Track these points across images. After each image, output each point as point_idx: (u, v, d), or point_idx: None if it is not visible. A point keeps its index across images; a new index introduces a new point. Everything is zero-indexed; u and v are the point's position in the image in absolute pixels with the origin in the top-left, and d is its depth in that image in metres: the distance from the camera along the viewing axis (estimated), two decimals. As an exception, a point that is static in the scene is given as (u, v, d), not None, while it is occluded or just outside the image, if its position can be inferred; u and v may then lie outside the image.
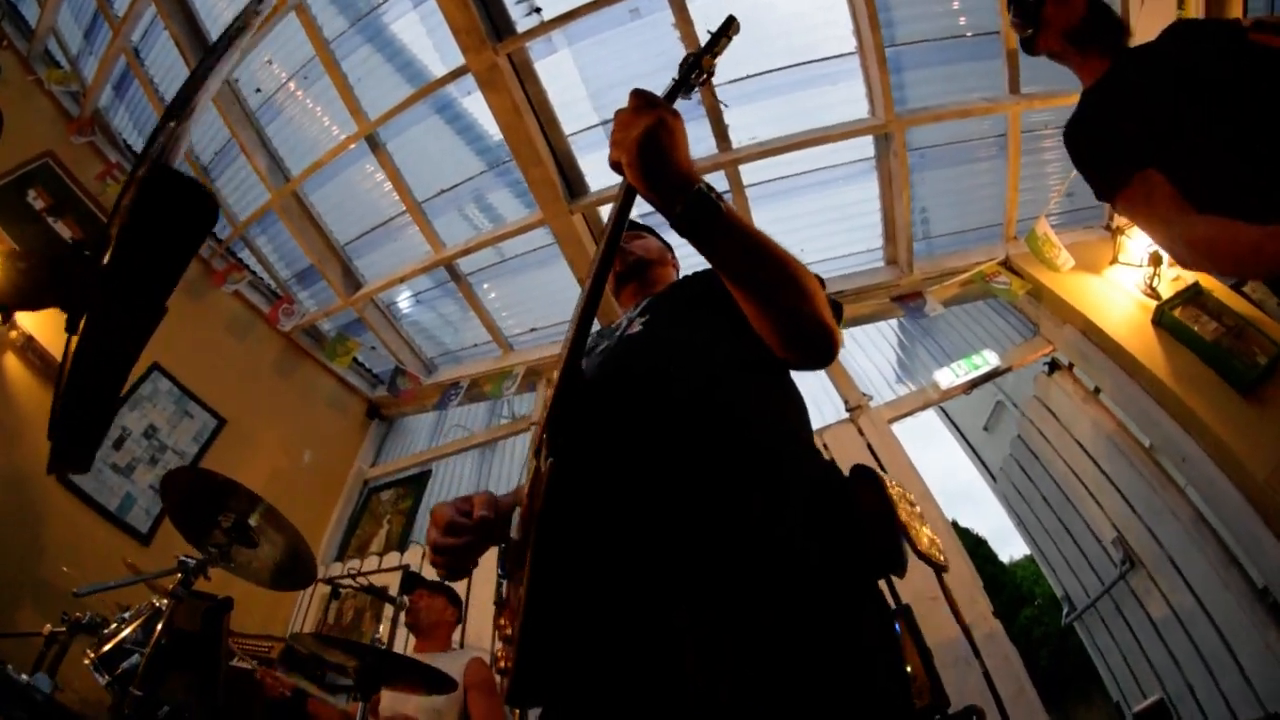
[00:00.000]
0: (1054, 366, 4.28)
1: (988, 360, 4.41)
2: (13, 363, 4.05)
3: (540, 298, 5.59)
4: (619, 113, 1.07)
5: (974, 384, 4.40)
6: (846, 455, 4.00)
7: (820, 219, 5.09)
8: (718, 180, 4.70)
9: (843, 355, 4.43)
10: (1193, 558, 3.45)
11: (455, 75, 4.39)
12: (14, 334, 4.04)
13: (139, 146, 5.61)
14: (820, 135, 4.49)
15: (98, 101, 5.34)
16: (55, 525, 3.84)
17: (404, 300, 5.86)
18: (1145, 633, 3.81)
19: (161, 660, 2.39)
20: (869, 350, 5.24)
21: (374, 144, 4.83)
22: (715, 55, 1.26)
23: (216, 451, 4.79)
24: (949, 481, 4.47)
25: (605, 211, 4.83)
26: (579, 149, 4.78)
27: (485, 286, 5.58)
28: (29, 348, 4.08)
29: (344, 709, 3.30)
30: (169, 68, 5.02)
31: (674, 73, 1.25)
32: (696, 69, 1.24)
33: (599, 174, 4.88)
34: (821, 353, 1.17)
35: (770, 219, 4.96)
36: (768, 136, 4.62)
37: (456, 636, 3.70)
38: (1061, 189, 4.32)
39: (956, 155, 4.71)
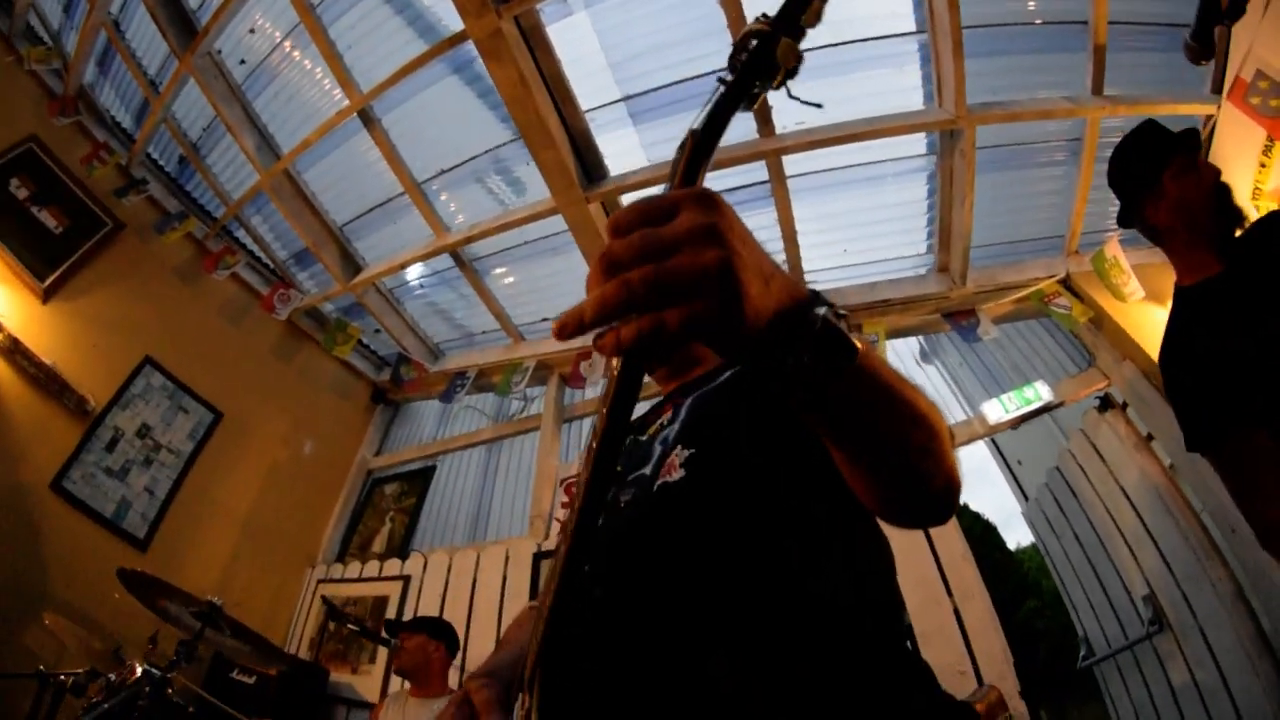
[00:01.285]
0: (1106, 404, 3.99)
1: (1040, 395, 4.13)
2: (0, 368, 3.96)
3: (553, 286, 5.34)
4: (604, 256, 0.60)
5: (1023, 419, 4.17)
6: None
7: (867, 218, 4.73)
8: (757, 171, 4.35)
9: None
10: (1224, 633, 3.27)
11: (453, 42, 3.96)
12: (0, 336, 3.94)
13: (126, 123, 5.38)
14: (880, 127, 4.03)
15: (81, 78, 5.05)
16: (53, 537, 3.85)
17: (407, 283, 5.61)
18: (1162, 695, 3.68)
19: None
20: (905, 359, 5.00)
21: (367, 119, 4.48)
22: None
23: (213, 448, 4.74)
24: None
25: (628, 200, 4.55)
26: (598, 128, 4.37)
27: (495, 272, 5.31)
28: (16, 350, 3.98)
29: None
30: (150, 39, 4.67)
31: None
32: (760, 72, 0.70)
33: (620, 156, 4.51)
34: (944, 517, 0.91)
35: (812, 215, 4.62)
36: (817, 123, 4.16)
37: (454, 678, 3.62)
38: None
39: (1017, 157, 4.28)
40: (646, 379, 0.77)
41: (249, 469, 5.00)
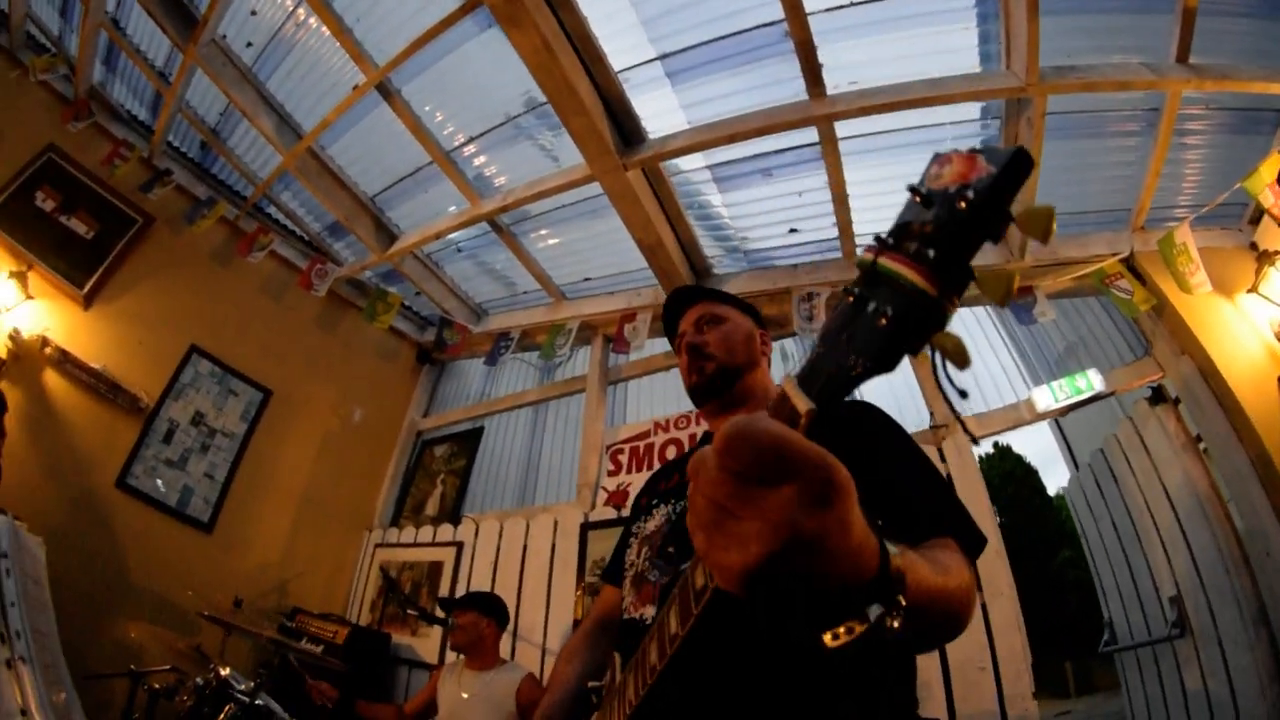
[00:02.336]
0: (1159, 397, 3.90)
1: (1092, 384, 4.01)
2: (53, 379, 4.23)
3: (593, 248, 5.28)
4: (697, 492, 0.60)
5: (1073, 408, 4.09)
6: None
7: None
8: (808, 134, 4.12)
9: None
10: (1242, 651, 3.36)
11: (467, 9, 3.76)
12: (49, 350, 4.17)
13: (142, 115, 5.31)
14: (941, 93, 3.75)
15: (90, 80, 4.98)
16: (124, 533, 4.22)
17: (446, 247, 5.59)
18: (1174, 696, 3.83)
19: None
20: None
21: (386, 93, 4.36)
22: None
23: (265, 425, 5.03)
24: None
25: (668, 167, 4.46)
26: (632, 89, 4.15)
27: (532, 236, 5.26)
28: (66, 360, 4.21)
29: (396, 706, 3.78)
30: (153, 32, 4.53)
31: None
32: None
33: (658, 117, 4.31)
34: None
35: (865, 178, 4.40)
36: (871, 84, 3.89)
37: (505, 648, 3.96)
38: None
39: (1087, 125, 3.95)
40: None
41: (301, 441, 5.31)
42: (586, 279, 5.53)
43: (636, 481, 4.57)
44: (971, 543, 1.12)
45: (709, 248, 5.04)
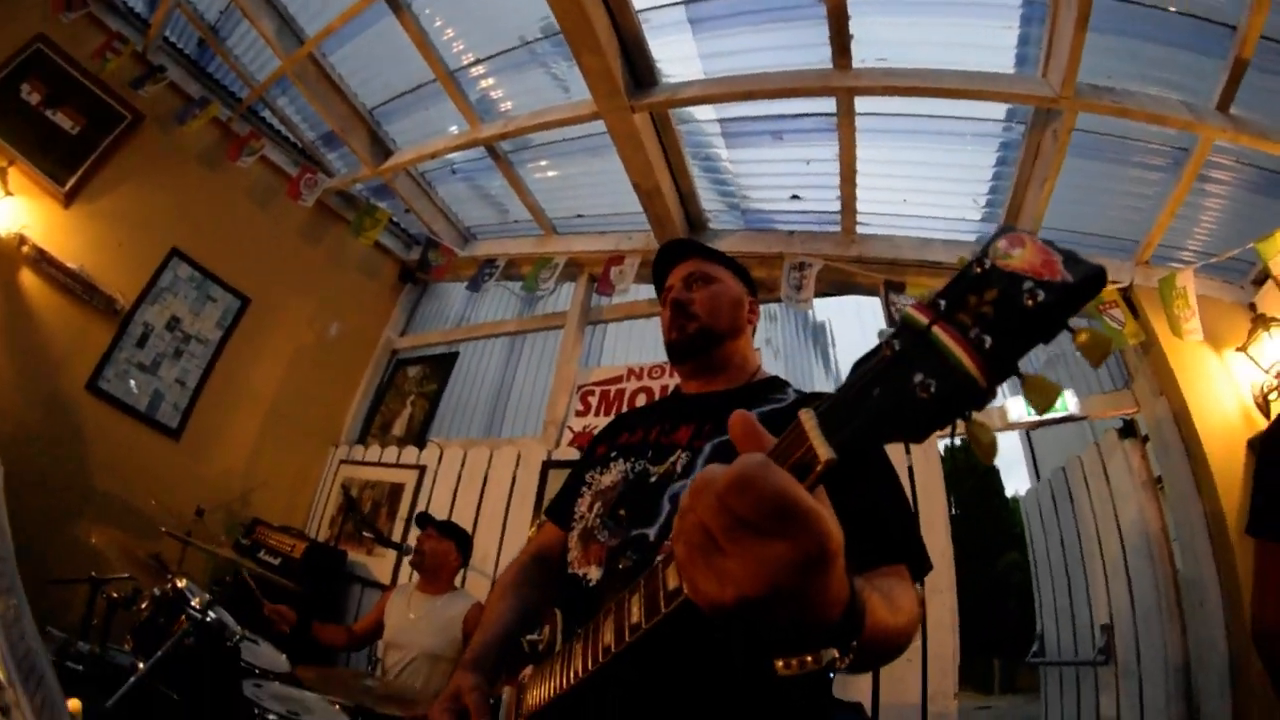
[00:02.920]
0: (1129, 431, 3.96)
1: (1066, 405, 4.02)
2: (29, 279, 4.15)
3: (592, 184, 5.16)
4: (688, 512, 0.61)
5: (1043, 424, 4.16)
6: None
7: (930, 173, 4.39)
8: (825, 103, 4.02)
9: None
10: (1159, 691, 3.52)
11: None
12: (26, 248, 4.07)
13: (139, 8, 4.99)
14: (969, 87, 3.64)
15: None
16: (92, 436, 4.24)
17: (441, 169, 5.43)
18: (1088, 713, 4.04)
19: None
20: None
21: (395, 4, 4.16)
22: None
23: (241, 334, 4.99)
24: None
25: (678, 115, 4.35)
26: (652, 29, 4.01)
27: (529, 166, 5.13)
28: (43, 259, 4.12)
29: (345, 626, 3.91)
30: None
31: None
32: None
33: (674, 63, 4.17)
34: None
35: (876, 158, 4.30)
36: (899, 64, 3.76)
37: (459, 579, 4.03)
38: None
39: (1111, 149, 3.85)
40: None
41: (276, 352, 5.28)
42: (579, 215, 5.45)
43: (601, 424, 4.50)
44: (920, 569, 1.18)
45: (708, 201, 4.97)
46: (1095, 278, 0.51)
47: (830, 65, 3.80)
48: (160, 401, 4.59)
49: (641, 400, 4.68)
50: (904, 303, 4.35)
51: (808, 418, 0.61)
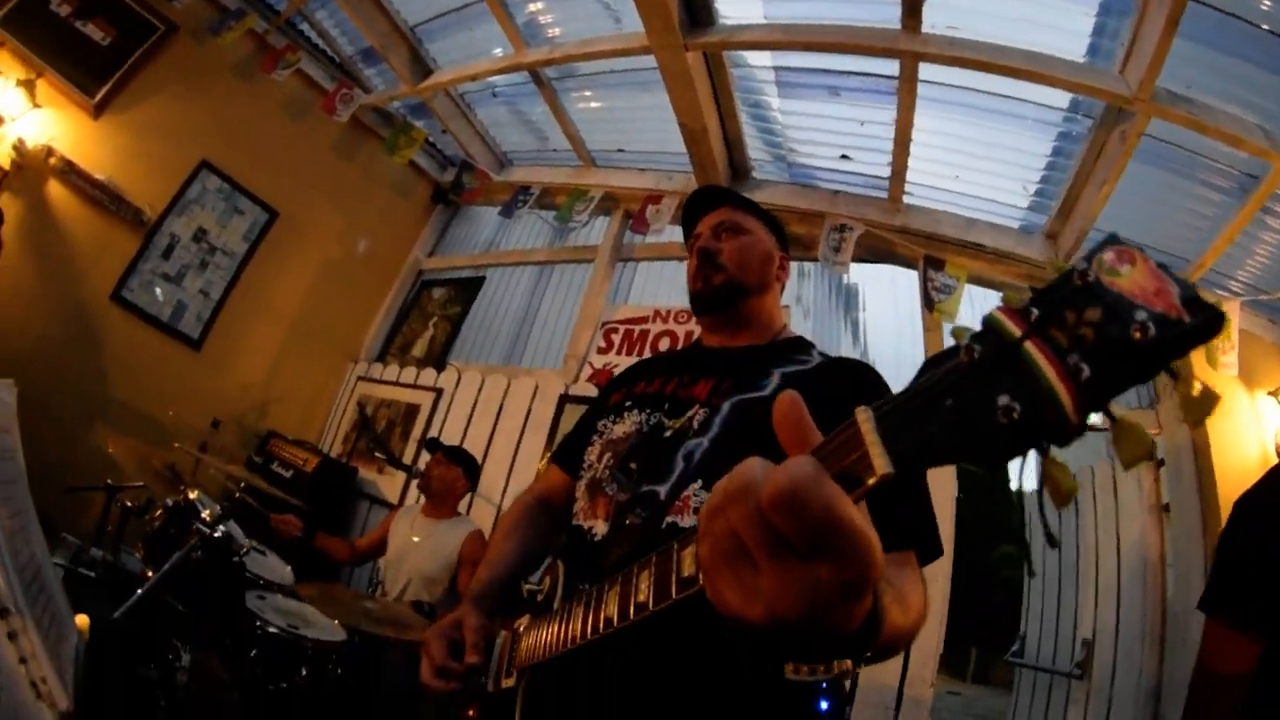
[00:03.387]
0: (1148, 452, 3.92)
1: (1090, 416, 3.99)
2: (56, 190, 4.20)
3: (636, 120, 5.02)
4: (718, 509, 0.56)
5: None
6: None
7: (985, 151, 4.22)
8: (888, 65, 3.83)
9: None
10: (1126, 715, 3.63)
11: None
12: (53, 160, 4.10)
13: None
14: (1040, 71, 3.45)
15: None
16: (115, 346, 4.36)
17: (482, 91, 5.28)
18: None
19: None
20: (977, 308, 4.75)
21: (441, -83, 3.95)
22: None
23: (267, 247, 5.03)
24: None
25: (733, 58, 4.20)
26: (712, -35, 3.80)
27: (573, 95, 4.98)
28: (70, 171, 4.16)
29: (349, 541, 4.04)
30: None
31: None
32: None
33: (733, 3, 3.97)
34: None
35: (932, 128, 4.14)
36: (969, 35, 3.55)
37: (464, 504, 4.11)
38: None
39: (1177, 160, 3.67)
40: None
41: (301, 266, 5.33)
42: (620, 150, 5.32)
43: (622, 364, 4.59)
44: (931, 555, 1.16)
45: (754, 150, 4.83)
46: (1214, 322, 0.43)
47: (899, 26, 3.60)
48: (183, 312, 4.70)
49: (665, 344, 4.65)
50: (942, 280, 4.25)
51: (865, 419, 0.54)
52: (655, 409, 1.41)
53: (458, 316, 5.61)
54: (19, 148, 4.08)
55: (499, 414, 4.77)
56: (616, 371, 4.52)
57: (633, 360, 4.30)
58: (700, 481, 1.21)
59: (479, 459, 4.04)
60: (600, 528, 1.31)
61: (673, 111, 4.30)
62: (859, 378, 1.35)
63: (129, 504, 3.52)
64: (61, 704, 1.09)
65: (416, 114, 5.59)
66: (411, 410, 5.12)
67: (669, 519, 1.19)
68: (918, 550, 1.12)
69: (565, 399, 4.56)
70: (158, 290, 4.56)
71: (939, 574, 3.50)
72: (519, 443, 4.61)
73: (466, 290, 5.74)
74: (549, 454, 4.35)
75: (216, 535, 3.08)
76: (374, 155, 5.65)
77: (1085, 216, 3.91)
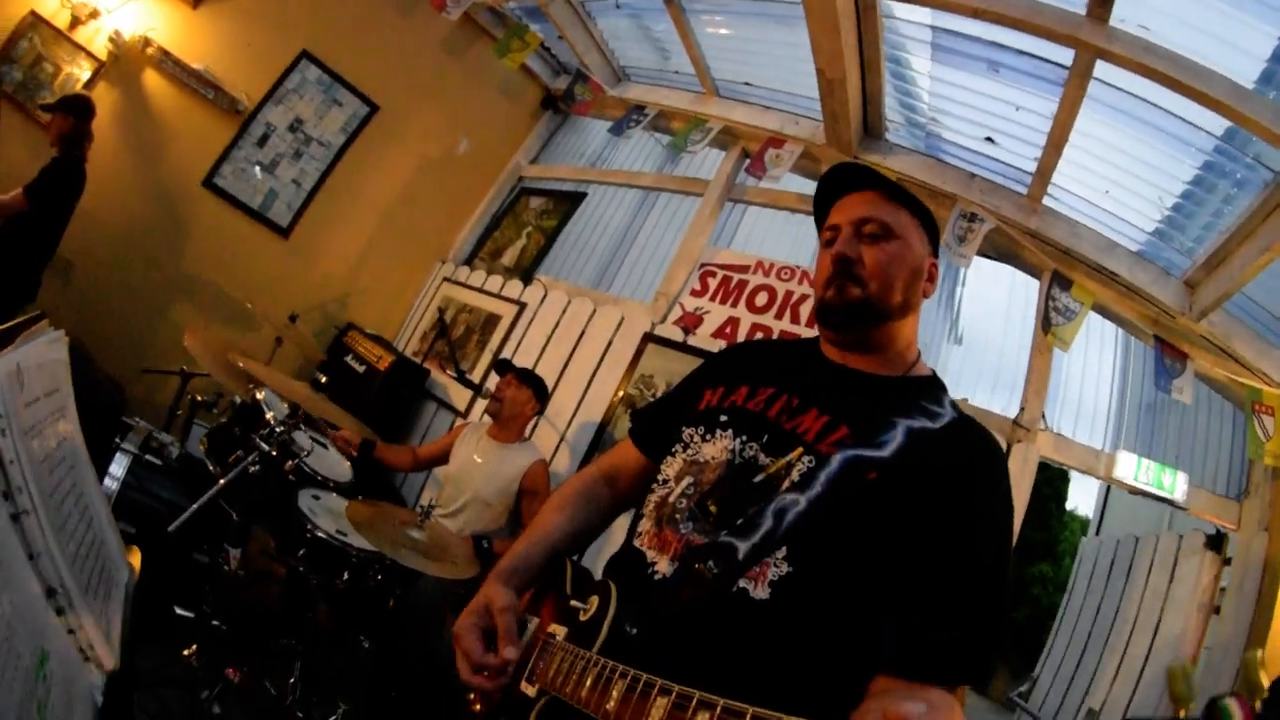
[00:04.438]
0: (1216, 545, 3.70)
1: (1174, 490, 3.74)
2: (153, 79, 4.32)
3: (766, 54, 4.69)
4: None
5: (1143, 494, 3.86)
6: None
7: (1136, 168, 3.82)
8: (1061, 52, 3.43)
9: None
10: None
11: None
12: (150, 50, 4.20)
13: None
14: (1224, 101, 3.02)
15: None
16: (204, 231, 4.55)
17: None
18: None
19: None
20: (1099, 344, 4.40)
21: None
22: None
23: (364, 140, 5.05)
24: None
25: (886, 7, 3.81)
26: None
27: (704, 18, 4.62)
28: (168, 60, 4.25)
29: (411, 448, 4.16)
30: None
31: None
32: None
33: None
34: None
35: (1091, 133, 3.75)
36: (1159, 42, 3.12)
37: (530, 427, 4.13)
38: None
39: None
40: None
41: (397, 162, 5.35)
42: (747, 83, 4.99)
43: (714, 312, 4.49)
44: (976, 682, 1.05)
45: (891, 111, 4.46)
46: None
47: (1083, 13, 3.19)
48: (274, 200, 4.86)
49: (762, 299, 4.42)
50: (1065, 301, 3.93)
51: None
52: (753, 437, 1.23)
53: (553, 230, 5.54)
54: (115, 39, 4.15)
55: (579, 340, 4.68)
56: (707, 318, 4.44)
57: (724, 310, 4.23)
58: (786, 549, 1.08)
59: (549, 383, 3.99)
60: (664, 566, 1.20)
61: (811, 53, 3.91)
62: (985, 460, 1.17)
63: (198, 397, 3.75)
64: (108, 664, 1.24)
65: (532, 17, 5.33)
66: (492, 320, 5.16)
67: (742, 584, 1.09)
68: (961, 683, 1.00)
69: (649, 337, 4.42)
70: (250, 178, 4.70)
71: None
72: (594, 374, 4.52)
73: (566, 204, 5.63)
74: (623, 392, 4.34)
75: (278, 438, 3.19)
76: (481, 56, 5.47)
77: (1233, 279, 3.53)
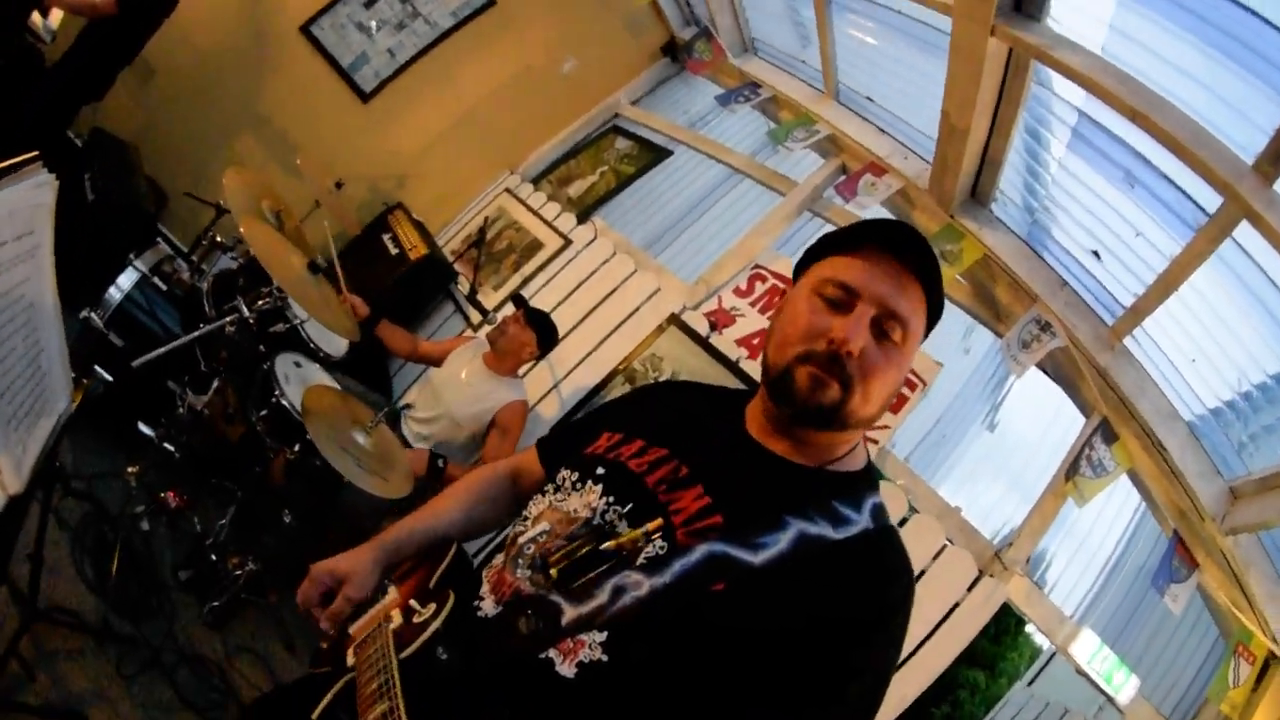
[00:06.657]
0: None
1: (1121, 692, 3.43)
2: None
3: (898, 76, 4.43)
4: None
5: (1087, 679, 3.62)
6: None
7: (1232, 347, 3.40)
8: (1210, 197, 2.97)
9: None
10: None
11: None
12: None
13: None
14: None
15: None
16: (288, 74, 4.58)
17: None
18: None
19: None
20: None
21: None
22: None
23: (472, 30, 5.01)
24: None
25: (1039, 73, 3.49)
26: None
27: (849, 17, 4.33)
28: None
29: (415, 339, 4.08)
30: None
31: None
32: None
33: (1074, 11, 3.17)
34: None
35: (1205, 294, 3.35)
36: None
37: (525, 368, 3.97)
38: None
39: None
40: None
41: (498, 62, 5.29)
42: (870, 99, 4.70)
43: (748, 318, 4.28)
44: None
45: (1006, 183, 4.13)
46: None
47: (1250, 162, 2.75)
48: (363, 64, 4.90)
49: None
50: (1100, 455, 3.62)
51: None
52: (620, 500, 1.12)
53: (629, 177, 5.39)
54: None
55: (607, 296, 4.55)
56: (739, 320, 4.28)
57: (759, 321, 4.10)
58: (606, 635, 0.98)
59: (565, 330, 3.93)
60: (489, 606, 1.15)
61: (943, 93, 3.66)
62: (879, 600, 1.02)
63: (219, 239, 3.77)
64: (11, 487, 1.33)
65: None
66: (534, 246, 5.09)
67: (550, 653, 1.00)
68: None
69: (675, 319, 4.28)
70: (347, 35, 4.71)
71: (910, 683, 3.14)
72: (608, 336, 4.40)
73: (650, 155, 5.47)
74: (627, 362, 4.27)
75: (274, 302, 3.27)
76: (617, -17, 5.35)
77: (1280, 511, 3.16)
